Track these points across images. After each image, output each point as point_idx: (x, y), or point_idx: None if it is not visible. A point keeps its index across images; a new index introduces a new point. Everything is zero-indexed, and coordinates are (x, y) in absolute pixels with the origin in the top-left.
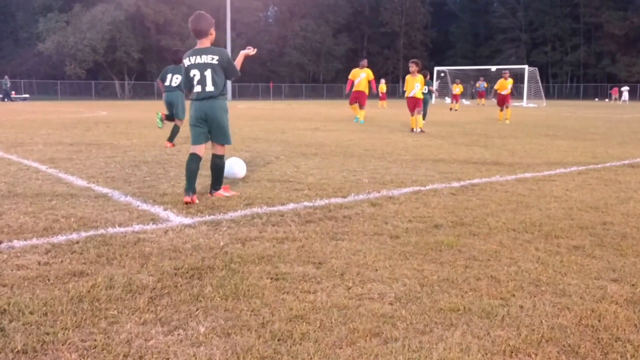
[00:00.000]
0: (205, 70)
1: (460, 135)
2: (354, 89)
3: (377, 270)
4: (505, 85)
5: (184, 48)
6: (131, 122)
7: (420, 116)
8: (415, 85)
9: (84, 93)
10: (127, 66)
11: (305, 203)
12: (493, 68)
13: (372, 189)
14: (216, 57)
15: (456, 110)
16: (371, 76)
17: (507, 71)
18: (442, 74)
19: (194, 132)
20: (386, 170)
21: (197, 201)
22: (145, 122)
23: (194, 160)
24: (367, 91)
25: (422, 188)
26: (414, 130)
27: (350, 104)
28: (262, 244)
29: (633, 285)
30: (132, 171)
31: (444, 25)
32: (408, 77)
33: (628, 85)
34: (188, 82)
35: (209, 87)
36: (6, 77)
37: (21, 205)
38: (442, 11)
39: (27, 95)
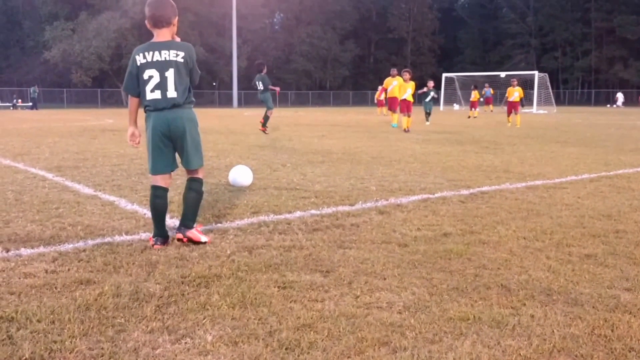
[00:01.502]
0: (167, 70)
1: (469, 142)
2: (388, 96)
3: (385, 278)
4: (512, 92)
5: (262, 60)
6: None
7: (410, 119)
8: (407, 89)
9: (90, 101)
10: None
11: (313, 211)
12: (502, 74)
13: (379, 196)
14: (181, 54)
15: (475, 117)
16: (402, 82)
17: (515, 79)
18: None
19: (156, 155)
20: (394, 177)
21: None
22: None
23: (159, 196)
24: (399, 97)
25: (431, 196)
26: (406, 129)
27: (389, 109)
28: (269, 252)
29: None
30: (138, 179)
31: (452, 31)
32: (388, 78)
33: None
34: (137, 86)
35: (171, 93)
36: (35, 86)
37: (28, 213)
38: (450, 17)
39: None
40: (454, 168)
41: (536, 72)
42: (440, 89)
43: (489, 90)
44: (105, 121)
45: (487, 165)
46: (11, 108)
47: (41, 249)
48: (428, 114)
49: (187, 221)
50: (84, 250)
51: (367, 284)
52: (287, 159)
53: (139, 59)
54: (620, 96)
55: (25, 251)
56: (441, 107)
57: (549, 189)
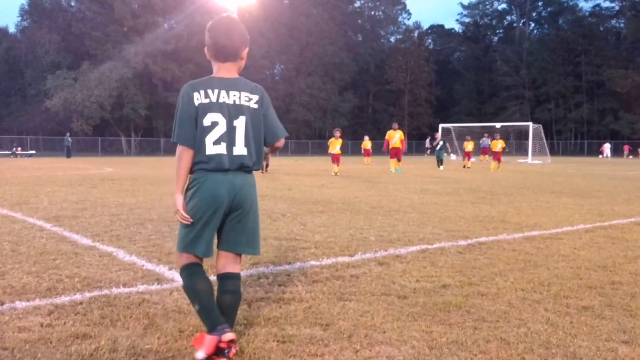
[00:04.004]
0: (236, 117)
1: (467, 193)
2: (391, 147)
3: (385, 332)
4: (496, 144)
5: None
6: (137, 179)
7: (400, 162)
8: (395, 135)
9: (90, 149)
10: (134, 123)
11: (312, 262)
12: (498, 125)
13: (379, 247)
14: (255, 97)
15: (469, 167)
16: (402, 136)
17: (498, 133)
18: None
19: (201, 232)
20: (393, 228)
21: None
22: (151, 179)
23: (198, 273)
24: (402, 147)
25: (429, 246)
26: (393, 172)
27: (391, 158)
28: (268, 305)
29: None
30: (137, 229)
31: (449, 82)
32: (390, 131)
33: (629, 141)
34: (192, 135)
35: (240, 149)
36: (67, 134)
37: (25, 264)
38: (446, 69)
39: (33, 152)
40: (452, 218)
41: (530, 124)
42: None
43: (487, 141)
44: (105, 170)
45: (484, 215)
46: (11, 156)
47: (37, 302)
48: (440, 161)
49: (230, 322)
50: (81, 303)
51: (367, 338)
52: (287, 208)
53: (198, 97)
54: (607, 146)
55: (20, 304)
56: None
57: (546, 239)
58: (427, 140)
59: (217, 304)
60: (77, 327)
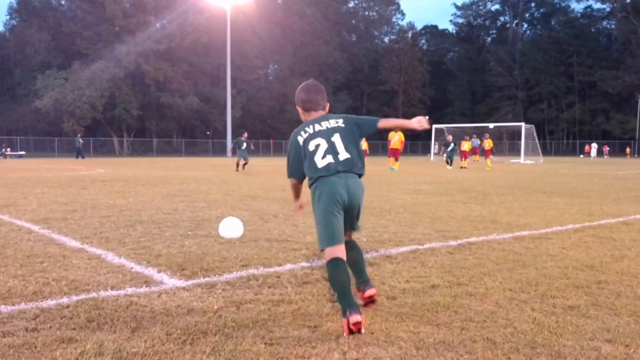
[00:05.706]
0: (332, 135)
1: (459, 193)
2: (390, 147)
3: (373, 333)
4: (487, 142)
5: (243, 129)
6: (128, 180)
7: (398, 162)
8: (395, 137)
9: (82, 150)
10: (126, 123)
11: (303, 263)
12: (491, 125)
13: (370, 247)
14: (340, 120)
15: (465, 167)
16: (402, 138)
17: (488, 133)
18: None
19: (332, 222)
20: (384, 228)
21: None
22: (143, 180)
23: (341, 265)
24: (400, 148)
25: (420, 247)
26: (393, 169)
27: (389, 157)
28: (257, 307)
29: (627, 345)
30: (127, 231)
31: (442, 83)
32: (391, 132)
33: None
34: (300, 171)
35: (344, 154)
36: (79, 135)
37: (11, 268)
38: (440, 70)
39: (22, 153)
40: (443, 218)
41: (523, 124)
42: (431, 139)
43: (476, 141)
44: (96, 171)
45: (475, 215)
46: (0, 157)
47: (22, 306)
48: (451, 161)
49: (366, 276)
50: (68, 307)
51: (355, 339)
52: (279, 209)
53: (301, 137)
54: (594, 146)
55: (5, 308)
56: (432, 157)
57: (535, 239)
58: (436, 145)
59: (350, 259)
60: (63, 331)
